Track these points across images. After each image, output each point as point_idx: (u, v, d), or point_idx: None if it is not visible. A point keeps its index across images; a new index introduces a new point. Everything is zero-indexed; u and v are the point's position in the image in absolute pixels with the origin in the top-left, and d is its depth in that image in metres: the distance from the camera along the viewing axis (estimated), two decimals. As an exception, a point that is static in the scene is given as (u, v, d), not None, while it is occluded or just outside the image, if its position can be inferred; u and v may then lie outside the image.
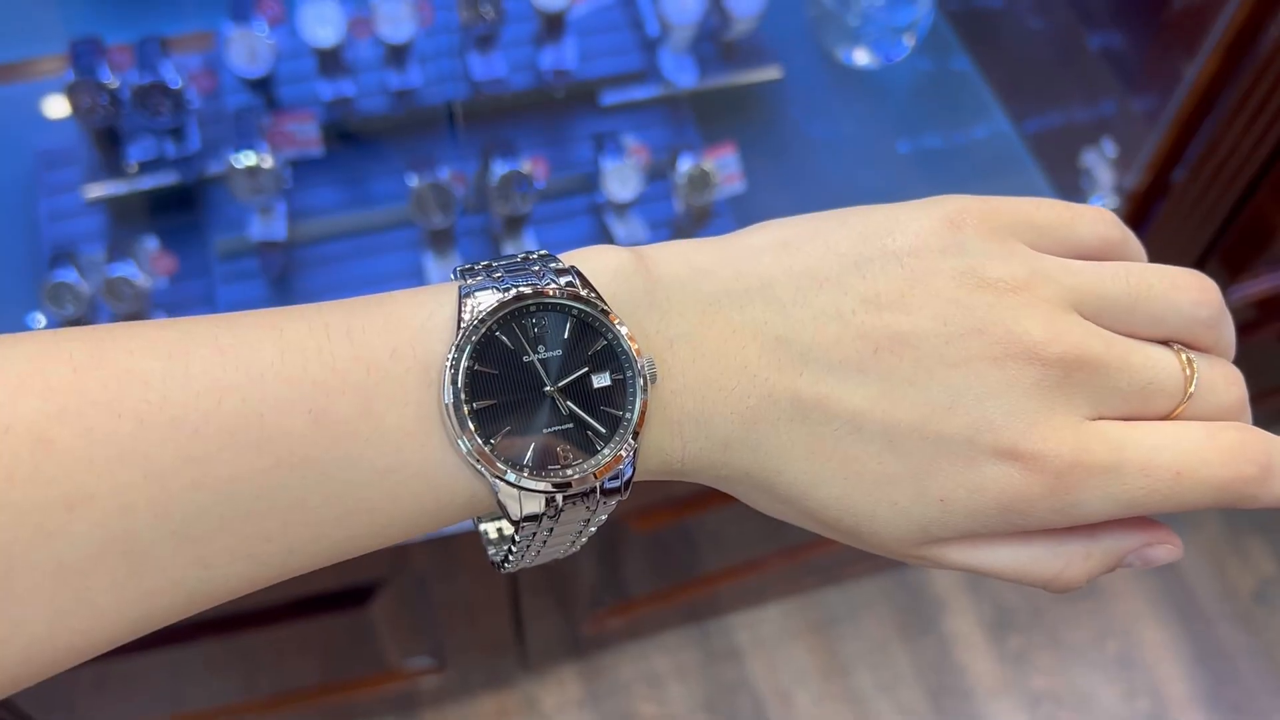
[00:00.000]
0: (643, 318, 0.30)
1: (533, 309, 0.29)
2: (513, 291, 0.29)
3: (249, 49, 0.78)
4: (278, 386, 0.26)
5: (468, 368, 0.28)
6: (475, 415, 0.27)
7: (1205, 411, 0.31)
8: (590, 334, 0.29)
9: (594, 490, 0.29)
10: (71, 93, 0.75)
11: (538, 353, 0.29)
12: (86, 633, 0.25)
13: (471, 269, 0.30)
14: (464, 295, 0.28)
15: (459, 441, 0.27)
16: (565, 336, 0.29)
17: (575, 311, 0.29)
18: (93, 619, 0.25)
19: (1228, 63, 0.75)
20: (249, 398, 0.26)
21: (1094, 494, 0.29)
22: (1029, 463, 0.29)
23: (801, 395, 0.29)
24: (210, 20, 0.83)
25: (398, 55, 0.83)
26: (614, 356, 0.29)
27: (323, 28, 0.80)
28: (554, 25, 0.86)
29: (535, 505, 0.28)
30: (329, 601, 0.93)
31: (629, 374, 0.29)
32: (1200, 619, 1.29)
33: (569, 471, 0.28)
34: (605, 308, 0.29)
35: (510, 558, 0.31)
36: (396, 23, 0.81)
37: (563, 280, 0.29)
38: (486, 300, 0.28)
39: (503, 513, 0.28)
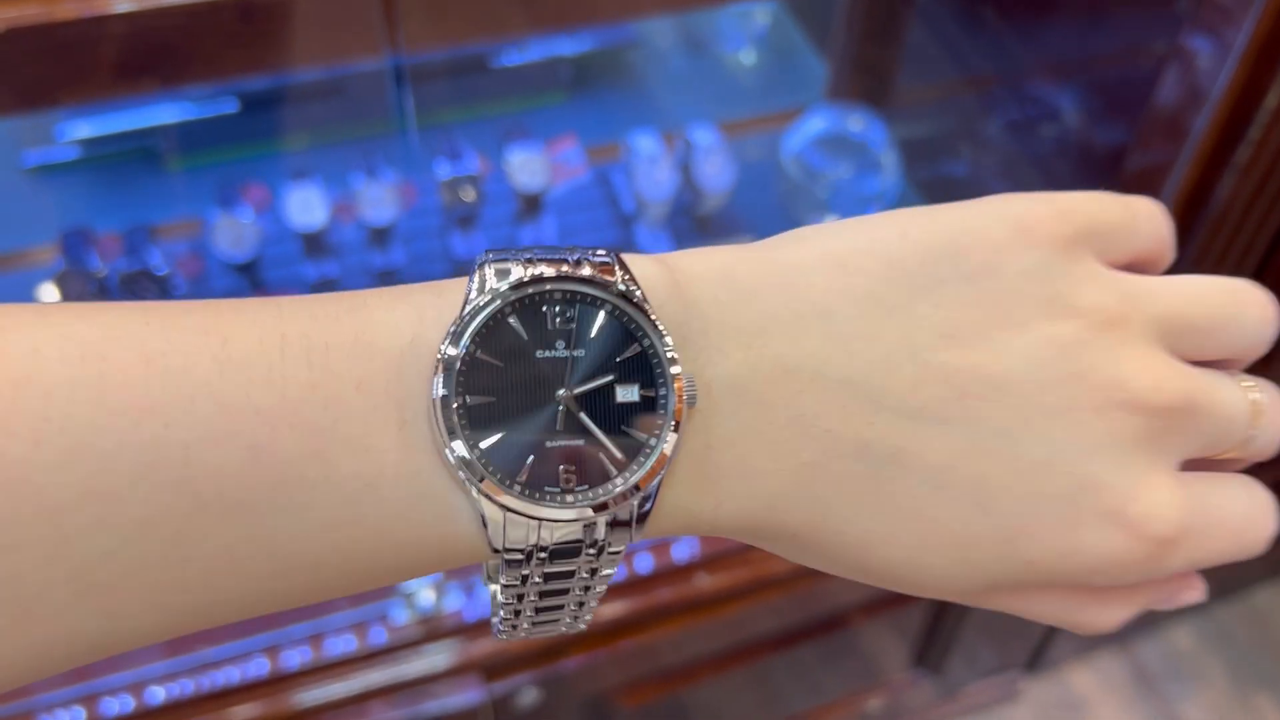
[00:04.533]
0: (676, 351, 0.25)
1: (558, 296, 0.24)
2: (539, 267, 0.24)
3: (235, 234, 0.80)
4: (210, 413, 0.21)
5: (469, 353, 0.23)
6: (468, 412, 0.23)
7: (1261, 447, 0.28)
8: (623, 336, 0.24)
9: (593, 524, 0.24)
10: (61, 281, 0.77)
11: (556, 349, 0.24)
12: None
13: (502, 251, 0.25)
14: (479, 265, 0.24)
15: (445, 450, 0.23)
16: (593, 335, 0.24)
17: (610, 306, 0.24)
18: None
19: (1185, 217, 0.77)
20: (173, 424, 0.21)
21: (1181, 557, 0.26)
22: (1134, 528, 0.25)
23: (873, 446, 0.25)
24: (198, 208, 0.86)
25: (381, 237, 0.85)
26: (647, 368, 0.24)
27: (307, 213, 0.82)
28: (532, 205, 0.88)
29: (522, 533, 0.23)
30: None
31: (661, 392, 0.24)
32: (1218, 783, 1.24)
33: (569, 498, 0.24)
34: (648, 307, 0.24)
35: (501, 620, 0.26)
36: (379, 206, 0.83)
37: (598, 260, 0.25)
38: (505, 272, 0.24)
39: (489, 550, 0.24)
